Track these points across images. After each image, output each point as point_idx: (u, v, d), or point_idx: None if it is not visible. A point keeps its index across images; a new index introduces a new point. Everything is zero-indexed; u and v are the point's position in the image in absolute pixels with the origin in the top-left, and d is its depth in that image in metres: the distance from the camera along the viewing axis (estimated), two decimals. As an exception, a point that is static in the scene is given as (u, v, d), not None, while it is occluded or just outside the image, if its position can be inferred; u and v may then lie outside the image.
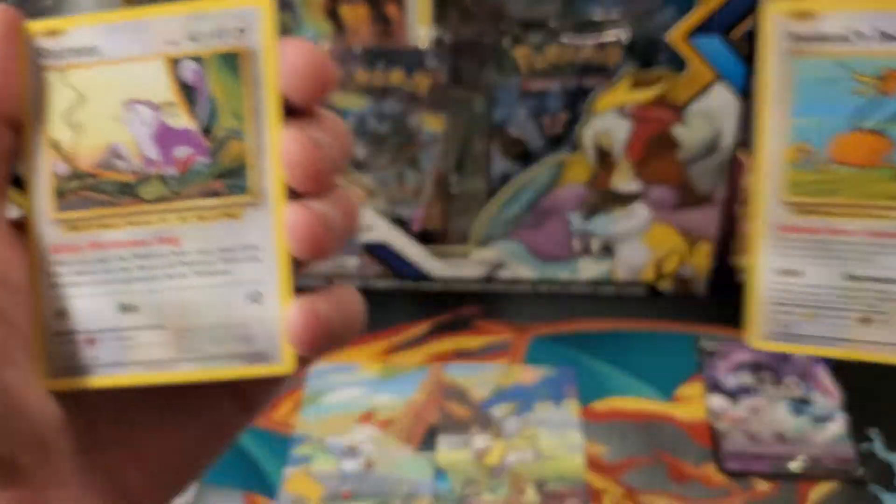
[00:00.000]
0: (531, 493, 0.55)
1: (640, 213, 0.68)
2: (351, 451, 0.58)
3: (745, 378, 0.62)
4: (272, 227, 0.25)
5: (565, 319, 0.69)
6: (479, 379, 0.63)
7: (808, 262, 0.36)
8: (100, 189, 0.26)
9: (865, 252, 0.34)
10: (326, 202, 0.25)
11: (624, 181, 0.66)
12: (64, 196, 0.26)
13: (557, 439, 0.58)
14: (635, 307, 0.70)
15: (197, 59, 0.25)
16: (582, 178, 0.66)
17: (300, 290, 0.26)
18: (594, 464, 0.57)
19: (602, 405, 0.61)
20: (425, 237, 0.70)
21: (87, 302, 0.26)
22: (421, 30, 0.64)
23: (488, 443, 0.58)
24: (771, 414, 0.60)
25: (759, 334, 0.40)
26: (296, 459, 0.58)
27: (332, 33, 0.65)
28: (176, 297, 0.26)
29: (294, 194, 0.25)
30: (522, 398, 0.61)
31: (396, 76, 0.64)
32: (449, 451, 0.58)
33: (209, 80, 0.25)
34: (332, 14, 0.64)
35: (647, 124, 0.63)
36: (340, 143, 0.26)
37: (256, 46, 0.25)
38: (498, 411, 0.61)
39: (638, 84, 0.62)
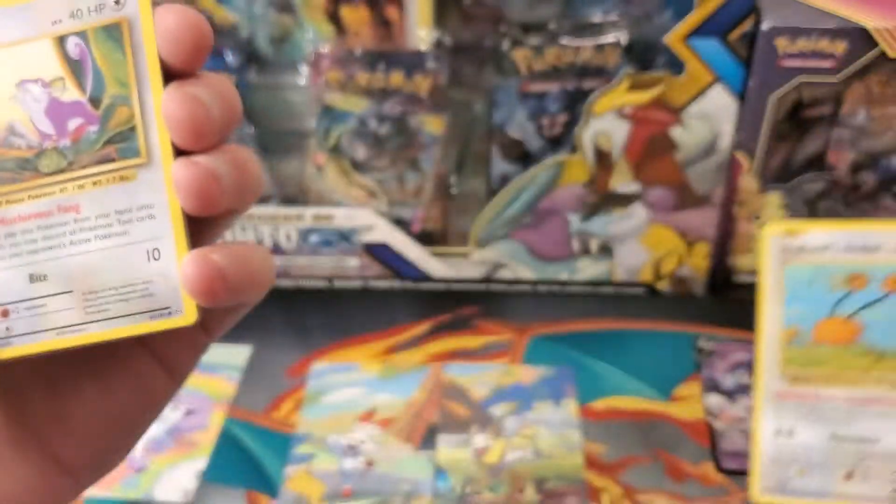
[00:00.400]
0: (531, 492, 0.55)
1: (638, 213, 0.68)
2: (351, 450, 0.58)
3: (743, 377, 0.63)
4: (163, 184, 0.26)
5: (564, 319, 0.69)
6: (478, 378, 0.63)
7: (800, 423, 0.44)
8: (1, 167, 0.27)
9: (846, 415, 0.42)
10: (213, 157, 0.26)
11: (623, 182, 0.66)
12: None
13: (557, 438, 0.59)
14: (634, 307, 0.70)
15: (80, 34, 0.26)
16: (581, 179, 0.66)
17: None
18: (593, 462, 0.57)
19: (601, 404, 0.61)
20: (425, 238, 0.71)
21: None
22: (421, 32, 0.64)
23: (488, 442, 0.59)
24: (768, 413, 0.60)
25: (760, 489, 0.49)
26: (297, 458, 0.58)
27: (333, 35, 0.65)
28: (81, 262, 0.27)
29: (183, 153, 0.26)
30: (522, 397, 0.62)
31: (397, 78, 0.64)
32: (449, 449, 0.58)
33: (94, 53, 0.26)
34: (333, 16, 0.64)
35: (645, 126, 0.64)
36: (223, 100, 0.26)
37: (133, 15, 0.26)
38: (497, 410, 0.61)
39: (636, 86, 0.62)
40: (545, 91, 0.64)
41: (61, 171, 0.27)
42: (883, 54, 0.60)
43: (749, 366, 0.64)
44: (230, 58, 0.64)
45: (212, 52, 0.66)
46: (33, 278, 0.27)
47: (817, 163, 0.67)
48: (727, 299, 0.71)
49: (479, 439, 0.59)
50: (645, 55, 0.62)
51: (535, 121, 0.65)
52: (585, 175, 0.66)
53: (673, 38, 0.60)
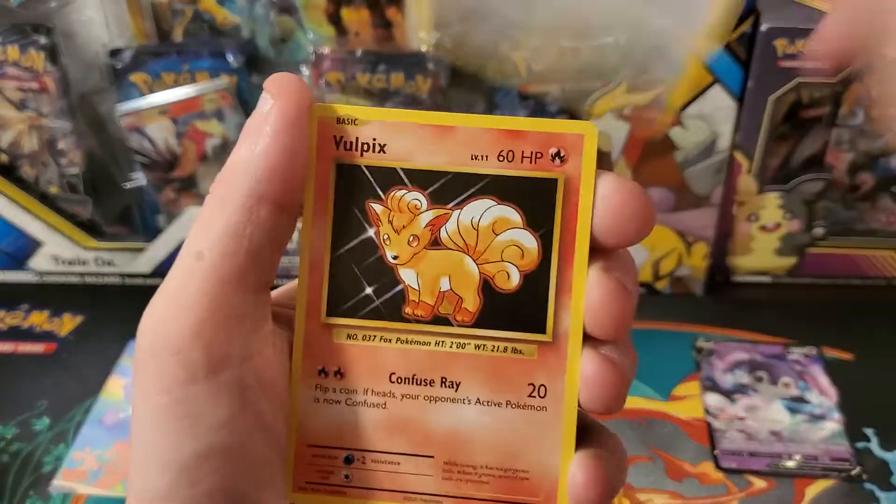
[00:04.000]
0: (530, 491, 0.55)
1: (638, 214, 0.68)
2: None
3: (742, 377, 0.63)
4: (564, 371, 0.24)
5: (564, 319, 0.69)
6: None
7: None
8: None
9: None
10: (623, 355, 0.24)
11: (622, 183, 0.66)
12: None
13: (556, 437, 0.59)
14: (633, 307, 0.70)
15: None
16: (580, 179, 0.67)
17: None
18: (593, 462, 0.57)
19: (600, 404, 0.62)
20: (426, 238, 0.71)
21: (350, 416, 0.25)
22: (422, 33, 0.64)
23: (488, 441, 0.59)
24: (767, 412, 0.60)
25: None
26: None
27: (334, 36, 0.65)
28: (451, 428, 0.25)
29: (588, 339, 0.24)
30: (522, 397, 0.62)
31: (397, 79, 0.65)
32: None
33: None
34: (334, 17, 0.64)
35: (644, 127, 0.64)
36: (638, 287, 0.25)
37: (573, 175, 0.24)
38: (497, 410, 0.61)
39: (635, 87, 0.62)
40: (545, 92, 0.64)
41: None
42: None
43: (749, 366, 0.64)
44: (231, 59, 0.64)
45: (213, 54, 0.66)
46: (390, 431, 0.25)
47: (816, 163, 0.67)
48: (726, 299, 0.71)
49: (480, 438, 0.59)
50: (644, 56, 0.63)
51: (534, 121, 0.66)
52: (585, 175, 0.66)
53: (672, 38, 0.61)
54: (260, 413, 0.23)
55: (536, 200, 0.24)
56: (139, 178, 0.69)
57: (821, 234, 0.70)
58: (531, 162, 0.24)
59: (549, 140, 0.24)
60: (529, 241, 0.24)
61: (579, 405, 0.24)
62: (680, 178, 0.66)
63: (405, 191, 0.24)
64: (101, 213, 0.72)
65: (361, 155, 0.24)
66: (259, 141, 0.23)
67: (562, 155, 0.24)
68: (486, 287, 0.24)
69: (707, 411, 0.61)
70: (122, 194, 0.71)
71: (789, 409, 0.60)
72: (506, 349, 0.24)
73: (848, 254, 0.71)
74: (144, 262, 0.72)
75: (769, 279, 0.73)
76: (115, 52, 0.65)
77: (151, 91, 0.65)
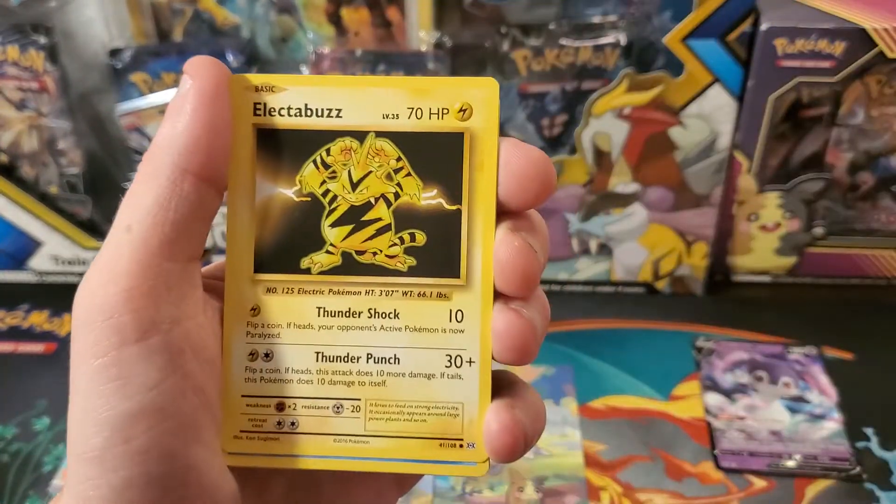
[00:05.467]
0: (530, 490, 0.55)
1: (637, 213, 0.68)
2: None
3: (742, 377, 0.63)
4: (478, 316, 0.25)
5: (564, 319, 0.69)
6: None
7: None
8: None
9: None
10: (533, 308, 0.25)
11: (622, 182, 0.67)
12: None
13: (556, 437, 0.59)
14: (633, 307, 0.70)
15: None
16: (580, 179, 0.67)
17: None
18: (592, 461, 0.57)
19: (600, 403, 0.62)
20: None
21: (280, 365, 0.26)
22: (422, 33, 0.64)
23: (488, 441, 0.59)
24: (767, 412, 0.60)
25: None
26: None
27: (334, 36, 0.65)
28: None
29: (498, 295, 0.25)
30: (522, 397, 0.62)
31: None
32: (449, 449, 0.58)
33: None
34: (334, 17, 0.64)
35: (644, 126, 0.64)
36: (544, 247, 0.25)
37: (478, 131, 0.25)
38: (497, 410, 0.61)
39: (636, 87, 0.62)
40: (545, 92, 0.64)
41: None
42: (881, 54, 0.60)
43: (749, 366, 0.64)
44: (231, 58, 0.64)
45: (213, 53, 0.66)
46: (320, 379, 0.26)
47: (816, 163, 0.67)
48: (726, 299, 0.72)
49: (480, 438, 0.59)
50: (644, 56, 0.63)
51: (534, 121, 0.66)
52: (585, 175, 0.66)
53: (672, 38, 0.61)
54: (190, 374, 0.24)
55: (444, 153, 0.25)
56: (139, 178, 0.69)
57: (821, 234, 0.70)
58: (438, 118, 0.25)
59: (454, 96, 0.25)
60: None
61: (494, 358, 0.25)
62: (680, 178, 0.66)
63: (323, 151, 0.26)
64: (101, 212, 0.72)
65: (280, 119, 0.25)
66: (180, 118, 0.24)
67: (466, 110, 0.25)
68: (402, 238, 0.26)
69: (707, 411, 0.61)
70: (122, 194, 0.71)
71: (789, 408, 0.60)
72: (428, 294, 0.26)
73: (848, 253, 0.71)
74: (144, 261, 0.72)
75: (769, 279, 0.73)
76: (114, 52, 0.65)
77: (151, 91, 0.65)
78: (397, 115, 0.25)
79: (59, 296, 0.72)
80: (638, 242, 0.69)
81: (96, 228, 0.72)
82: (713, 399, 0.61)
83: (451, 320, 0.26)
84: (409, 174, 0.25)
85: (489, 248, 0.25)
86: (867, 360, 0.64)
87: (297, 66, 0.66)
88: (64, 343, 0.66)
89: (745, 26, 0.60)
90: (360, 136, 0.25)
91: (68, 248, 0.72)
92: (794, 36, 0.60)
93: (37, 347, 0.67)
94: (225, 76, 0.24)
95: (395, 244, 0.26)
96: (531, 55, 0.63)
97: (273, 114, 0.25)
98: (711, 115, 0.63)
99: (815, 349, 0.65)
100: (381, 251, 0.26)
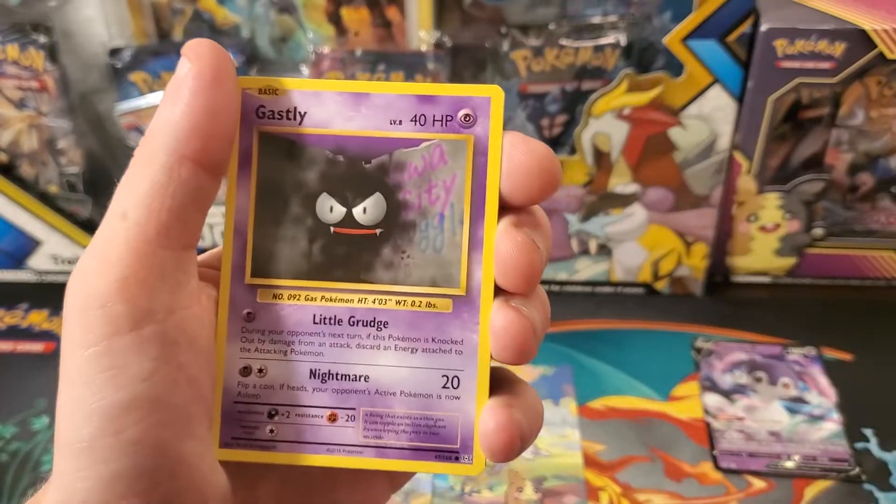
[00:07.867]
0: (529, 490, 0.55)
1: (637, 214, 0.68)
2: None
3: (741, 377, 0.63)
4: (476, 324, 0.25)
5: (563, 319, 0.69)
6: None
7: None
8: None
9: None
10: (532, 307, 0.25)
11: (622, 183, 0.67)
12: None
13: (556, 437, 0.59)
14: (632, 307, 0.70)
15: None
16: (580, 179, 0.67)
17: None
18: (592, 461, 0.57)
19: (600, 404, 0.62)
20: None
21: (274, 372, 0.26)
22: (422, 33, 0.64)
23: (487, 441, 0.59)
24: (766, 413, 0.60)
25: None
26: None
27: (334, 36, 0.65)
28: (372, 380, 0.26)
29: (500, 292, 0.25)
30: (521, 397, 0.62)
31: (397, 79, 0.65)
32: (448, 449, 0.58)
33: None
34: (334, 17, 0.64)
35: (644, 127, 0.64)
36: (549, 243, 0.25)
37: (481, 135, 0.25)
38: (497, 410, 0.61)
39: (635, 87, 0.62)
40: (544, 92, 0.64)
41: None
42: (881, 56, 0.60)
43: (748, 366, 0.64)
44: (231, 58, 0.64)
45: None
46: (314, 381, 0.26)
47: (815, 164, 0.67)
48: (725, 299, 0.72)
49: (479, 438, 0.59)
50: (644, 56, 0.63)
51: (534, 122, 0.66)
52: (584, 176, 0.66)
53: (672, 39, 0.61)
54: (183, 366, 0.23)
55: (448, 160, 0.25)
56: (139, 178, 0.69)
57: (820, 235, 0.70)
58: (442, 125, 0.25)
59: (459, 103, 0.25)
60: None
61: (492, 357, 0.25)
62: (680, 178, 0.66)
63: (325, 155, 0.26)
64: (101, 212, 0.72)
65: (283, 124, 0.25)
66: (178, 103, 0.23)
67: (470, 117, 0.25)
68: (402, 246, 0.26)
69: (706, 411, 0.61)
70: (122, 193, 0.71)
71: (788, 409, 0.60)
72: (423, 304, 0.25)
73: (847, 254, 0.71)
74: (144, 261, 0.72)
75: (768, 279, 0.73)
76: (114, 52, 0.65)
77: (151, 90, 0.65)
78: (401, 121, 0.25)
79: (58, 295, 0.71)
80: (637, 243, 0.69)
81: (96, 228, 0.72)
82: (712, 399, 0.61)
83: (449, 329, 0.25)
84: (411, 180, 0.25)
85: (490, 256, 0.25)
86: (866, 361, 0.64)
87: (296, 66, 0.66)
88: (63, 342, 0.66)
89: (745, 27, 0.60)
90: (363, 141, 0.25)
91: (68, 248, 0.72)
92: (793, 37, 0.60)
93: (36, 347, 0.67)
94: (224, 60, 0.24)
95: (394, 251, 0.26)
96: (531, 55, 0.63)
97: (275, 118, 0.25)
98: (711, 115, 0.63)
99: (814, 350, 0.65)
100: (380, 258, 0.26)
